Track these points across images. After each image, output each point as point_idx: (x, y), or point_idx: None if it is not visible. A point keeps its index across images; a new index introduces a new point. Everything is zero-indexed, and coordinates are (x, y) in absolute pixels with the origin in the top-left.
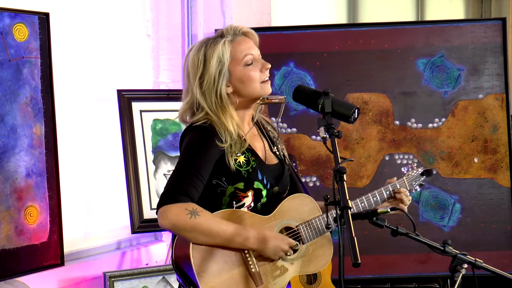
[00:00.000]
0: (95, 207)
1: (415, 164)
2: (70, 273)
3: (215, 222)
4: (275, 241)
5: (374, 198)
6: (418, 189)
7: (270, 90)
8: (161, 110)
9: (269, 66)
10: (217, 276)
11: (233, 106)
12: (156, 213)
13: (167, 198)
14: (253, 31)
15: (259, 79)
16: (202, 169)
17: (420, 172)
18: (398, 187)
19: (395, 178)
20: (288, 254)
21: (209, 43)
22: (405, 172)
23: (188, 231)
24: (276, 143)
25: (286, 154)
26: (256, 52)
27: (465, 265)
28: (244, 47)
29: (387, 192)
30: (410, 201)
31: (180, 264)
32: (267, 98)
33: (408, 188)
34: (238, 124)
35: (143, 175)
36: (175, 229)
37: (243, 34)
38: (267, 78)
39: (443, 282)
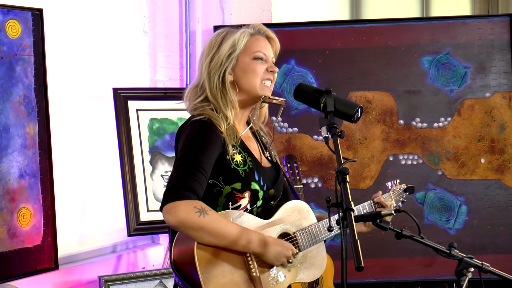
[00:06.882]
0: (90, 209)
1: (398, 180)
2: (64, 277)
3: (222, 223)
4: (278, 247)
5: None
6: (401, 205)
7: (269, 94)
8: (158, 109)
9: (277, 70)
10: (220, 277)
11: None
12: (161, 209)
13: (173, 194)
14: (277, 39)
15: (261, 76)
16: (205, 164)
17: (403, 189)
18: (383, 200)
19: (380, 192)
20: (290, 261)
21: (232, 30)
22: (389, 187)
23: (195, 230)
24: (269, 148)
25: (278, 161)
26: (270, 56)
27: (472, 269)
28: (260, 45)
29: (370, 209)
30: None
31: (182, 264)
32: (268, 97)
33: (394, 204)
34: (236, 113)
35: (140, 176)
36: (182, 227)
37: (266, 36)
38: (270, 84)
39: (448, 286)
